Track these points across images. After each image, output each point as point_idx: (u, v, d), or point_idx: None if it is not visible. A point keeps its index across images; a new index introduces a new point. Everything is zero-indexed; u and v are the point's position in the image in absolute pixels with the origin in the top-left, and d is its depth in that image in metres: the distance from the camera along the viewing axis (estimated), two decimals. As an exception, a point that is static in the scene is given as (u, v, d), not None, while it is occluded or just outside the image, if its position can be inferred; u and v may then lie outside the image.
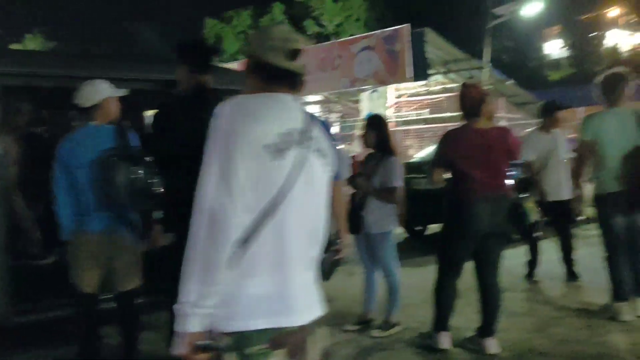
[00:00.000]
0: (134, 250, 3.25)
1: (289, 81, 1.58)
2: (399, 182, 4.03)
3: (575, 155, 4.50)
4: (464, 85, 3.84)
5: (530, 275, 5.70)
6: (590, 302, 4.71)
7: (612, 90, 4.26)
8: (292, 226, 1.46)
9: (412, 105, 14.49)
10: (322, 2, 23.56)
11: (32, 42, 28.88)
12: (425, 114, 13.77)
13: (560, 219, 5.56)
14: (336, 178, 2.45)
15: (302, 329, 1.48)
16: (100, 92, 3.16)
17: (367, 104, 12.38)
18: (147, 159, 2.96)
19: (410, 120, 14.16)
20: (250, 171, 1.39)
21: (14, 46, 25.56)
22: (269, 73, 1.56)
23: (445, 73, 13.07)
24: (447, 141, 3.80)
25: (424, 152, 9.73)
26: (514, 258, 6.26)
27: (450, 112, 12.07)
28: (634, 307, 4.26)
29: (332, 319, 4.47)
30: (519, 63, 34.88)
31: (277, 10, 25.03)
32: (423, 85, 13.54)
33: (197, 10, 27.21)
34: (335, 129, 15.32)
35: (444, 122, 11.77)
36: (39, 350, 3.90)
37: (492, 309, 3.74)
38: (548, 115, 5.60)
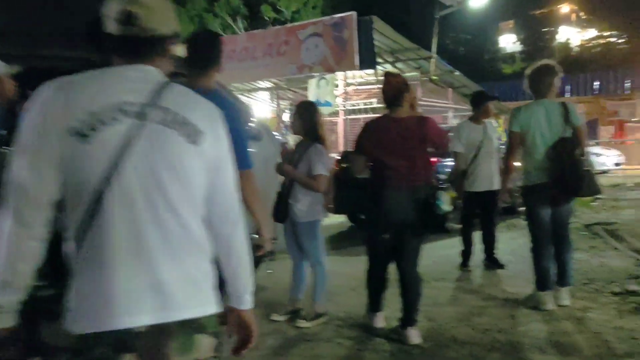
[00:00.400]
0: None
1: (130, 49, 1.38)
2: (322, 170, 3.93)
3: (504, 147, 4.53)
4: (387, 75, 3.80)
5: (464, 264, 5.74)
6: (517, 291, 4.77)
7: (540, 82, 4.28)
8: (124, 214, 1.28)
9: (360, 94, 14.44)
10: (279, -13, 23.21)
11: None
12: (374, 103, 13.70)
13: (488, 209, 5.62)
14: (241, 167, 2.29)
15: (159, 331, 1.32)
16: None
17: (314, 91, 12.19)
18: None
19: (359, 109, 14.09)
20: (52, 163, 1.26)
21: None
22: (106, 43, 1.39)
23: (393, 62, 13.05)
24: (365, 130, 3.77)
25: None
26: (449, 248, 6.32)
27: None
28: (556, 297, 4.34)
29: (260, 309, 4.39)
30: (475, 55, 35.49)
31: (234, -7, 24.47)
32: (372, 74, 13.47)
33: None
34: (285, 117, 15.19)
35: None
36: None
37: (412, 299, 3.72)
38: (478, 106, 5.62)
